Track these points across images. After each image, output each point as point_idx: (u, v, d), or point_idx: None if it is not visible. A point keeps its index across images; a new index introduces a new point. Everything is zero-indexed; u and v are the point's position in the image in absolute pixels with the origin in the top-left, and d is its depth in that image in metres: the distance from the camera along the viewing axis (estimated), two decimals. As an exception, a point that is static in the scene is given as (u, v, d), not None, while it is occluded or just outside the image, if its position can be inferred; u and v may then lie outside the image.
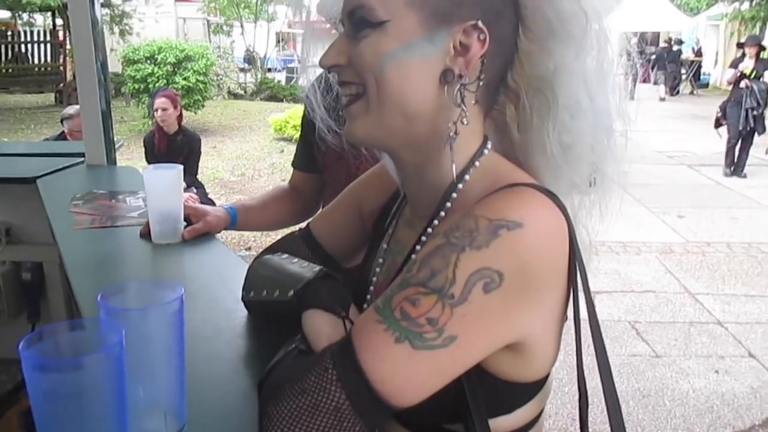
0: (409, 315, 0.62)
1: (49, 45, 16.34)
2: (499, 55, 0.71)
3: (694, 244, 5.53)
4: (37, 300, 2.45)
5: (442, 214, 0.74)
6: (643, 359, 3.54)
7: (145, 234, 1.40)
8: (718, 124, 8.48)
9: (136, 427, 0.66)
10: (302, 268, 0.85)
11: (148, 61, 10.89)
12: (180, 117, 5.11)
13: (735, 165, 8.24)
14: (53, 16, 16.48)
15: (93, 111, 2.23)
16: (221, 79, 14.79)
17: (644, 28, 24.44)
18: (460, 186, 0.73)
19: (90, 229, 1.51)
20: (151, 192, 1.35)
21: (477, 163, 0.74)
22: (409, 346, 0.61)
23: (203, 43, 13.20)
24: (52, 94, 15.78)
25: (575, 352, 0.70)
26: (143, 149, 5.36)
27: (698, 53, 19.62)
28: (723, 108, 8.35)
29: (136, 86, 10.95)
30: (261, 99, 16.25)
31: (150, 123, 7.95)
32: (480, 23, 0.68)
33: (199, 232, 1.39)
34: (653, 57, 18.63)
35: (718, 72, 20.61)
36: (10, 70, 16.12)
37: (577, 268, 0.67)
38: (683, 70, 18.95)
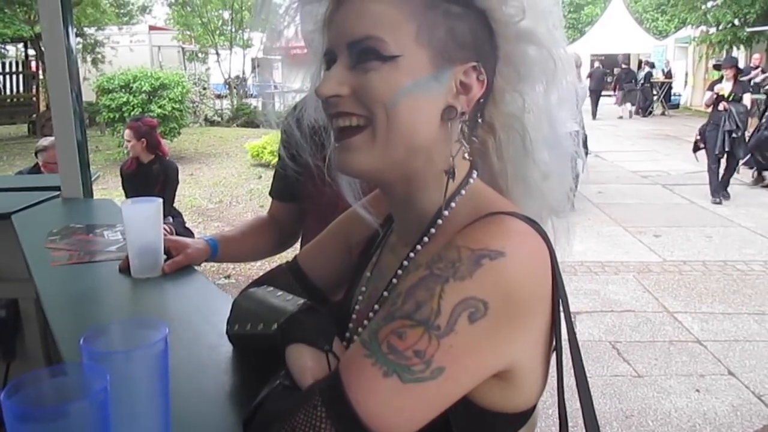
0: (396, 348, 0.62)
1: (21, 76, 16.21)
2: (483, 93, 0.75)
3: (671, 263, 5.59)
4: (13, 338, 2.39)
5: (426, 240, 0.76)
6: (625, 379, 3.56)
7: (125, 269, 1.38)
8: (696, 147, 8.37)
9: (122, 471, 0.65)
10: (286, 301, 0.84)
11: (123, 90, 10.85)
12: (158, 146, 5.07)
13: (716, 189, 7.96)
14: (25, 47, 16.37)
15: (68, 142, 2.21)
16: (197, 106, 14.77)
17: (614, 51, 25.07)
18: (446, 213, 0.75)
19: (68, 266, 1.48)
20: (130, 226, 1.33)
21: (463, 192, 0.76)
22: (397, 380, 0.61)
23: (178, 71, 13.19)
24: (25, 125, 15.63)
25: (556, 376, 0.70)
26: (120, 178, 5.31)
27: (668, 75, 20.08)
28: (702, 131, 8.23)
29: (111, 115, 10.88)
30: (238, 125, 16.24)
31: (126, 152, 7.90)
32: (479, 65, 0.73)
33: (179, 265, 1.37)
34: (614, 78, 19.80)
35: (687, 93, 21.11)
36: (-18, 102, 15.95)
37: (560, 293, 0.68)
38: (654, 92, 19.37)
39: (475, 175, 0.77)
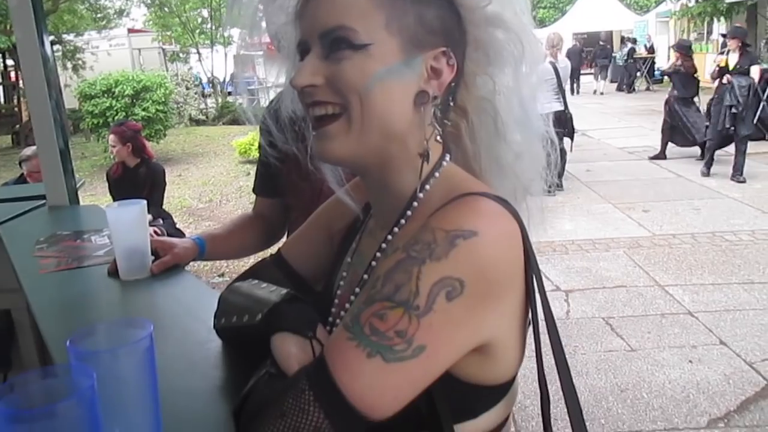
0: (378, 329, 0.64)
1: (1, 87, 16.07)
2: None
3: (660, 237, 5.64)
4: (8, 348, 2.40)
5: (402, 222, 0.78)
6: (619, 354, 3.60)
7: (113, 271, 1.40)
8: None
9: (115, 468, 0.67)
10: (270, 292, 0.86)
11: (106, 95, 10.80)
12: (143, 150, 5.06)
13: (733, 168, 7.53)
14: (3, 57, 16.22)
15: (51, 151, 2.22)
16: (181, 106, 14.70)
17: (596, 29, 25.11)
18: (421, 195, 0.77)
19: (56, 272, 1.49)
20: (116, 229, 1.34)
21: (437, 174, 0.78)
22: (381, 360, 0.63)
23: (161, 73, 13.11)
24: (9, 137, 15.51)
25: (535, 349, 0.73)
26: (107, 183, 5.30)
27: (651, 50, 20.15)
28: (709, 106, 7.91)
29: (95, 121, 10.83)
30: (223, 123, 16.18)
31: (112, 157, 7.87)
32: (449, 50, 0.75)
33: (167, 265, 1.39)
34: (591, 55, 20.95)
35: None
36: (-37, 114, 15.81)
37: (533, 269, 0.70)
38: (638, 68, 19.45)
39: (448, 158, 0.79)
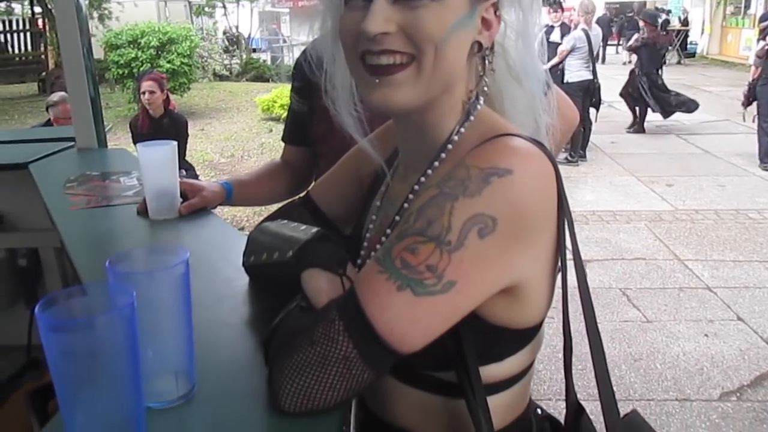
0: (409, 263, 0.64)
1: (29, 34, 16.09)
2: None
3: (683, 212, 5.59)
4: (34, 286, 2.46)
5: (436, 164, 0.78)
6: (634, 324, 3.61)
7: (143, 211, 1.42)
8: (747, 102, 7.44)
9: (149, 388, 0.69)
10: (300, 231, 0.87)
11: (131, 46, 10.77)
12: (167, 100, 5.09)
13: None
14: (31, 4, 16.19)
15: (81, 95, 2.23)
16: (206, 61, 14.66)
17: (629, -1, 24.45)
18: (456, 138, 0.77)
19: (87, 209, 1.52)
20: (147, 168, 1.36)
21: (471, 117, 0.78)
22: (411, 293, 0.64)
23: (186, 25, 13.05)
24: (35, 84, 15.57)
25: (561, 295, 0.73)
26: (130, 134, 5.34)
27: (684, 23, 19.63)
28: (752, 86, 7.31)
29: (120, 71, 10.83)
30: (247, 80, 16.13)
31: (136, 107, 7.90)
32: (498, 1, 0.75)
33: (195, 206, 1.40)
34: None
35: (704, 41, 20.64)
36: (-9, 61, 15.90)
37: (565, 212, 0.70)
38: (671, 40, 18.99)
39: (482, 101, 0.79)
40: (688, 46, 19.76)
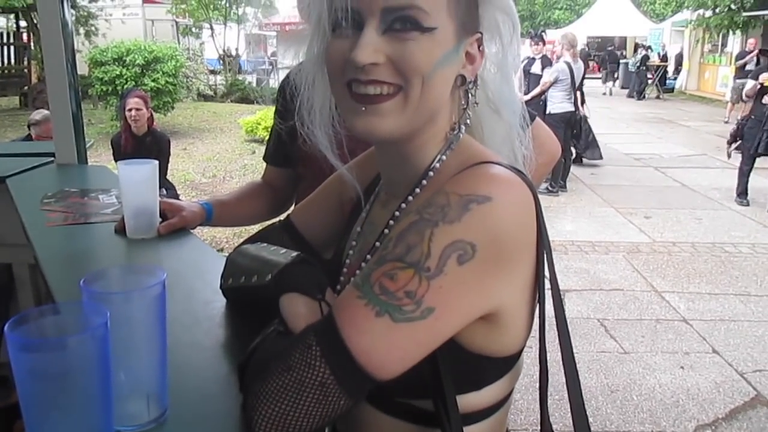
0: (388, 289, 0.64)
1: (12, 47, 16.01)
2: None
3: (660, 244, 5.65)
4: (6, 302, 2.41)
5: (417, 191, 0.78)
6: (611, 356, 3.62)
7: (120, 229, 1.40)
8: (733, 140, 7.37)
9: (119, 411, 0.67)
10: (279, 254, 0.87)
11: (116, 63, 10.76)
12: (151, 119, 5.08)
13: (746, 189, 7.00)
14: (17, 18, 16.13)
15: (63, 110, 2.21)
16: (191, 80, 14.66)
17: (611, 33, 25.02)
18: (437, 165, 0.78)
19: (63, 226, 1.50)
20: (127, 186, 1.34)
21: (452, 145, 0.79)
22: (389, 319, 0.64)
23: (172, 45, 13.07)
24: (17, 98, 15.46)
25: (539, 323, 0.73)
26: (111, 151, 5.30)
27: (664, 58, 20.10)
28: (741, 125, 7.25)
29: (104, 88, 10.80)
30: (232, 101, 16.14)
31: (118, 125, 7.85)
32: (482, 36, 0.77)
33: (174, 226, 1.39)
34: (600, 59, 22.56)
35: (683, 77, 21.11)
36: (-27, 74, 15.76)
37: (544, 240, 0.71)
38: (649, 75, 19.40)
39: (463, 129, 0.80)
40: (667, 82, 20.18)
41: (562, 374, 0.74)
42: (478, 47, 0.77)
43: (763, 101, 6.87)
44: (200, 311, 1.03)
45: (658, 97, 19.05)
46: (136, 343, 0.70)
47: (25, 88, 15.28)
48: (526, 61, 7.68)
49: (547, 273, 0.73)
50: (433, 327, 0.65)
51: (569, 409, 0.74)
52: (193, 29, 20.18)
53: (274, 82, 17.01)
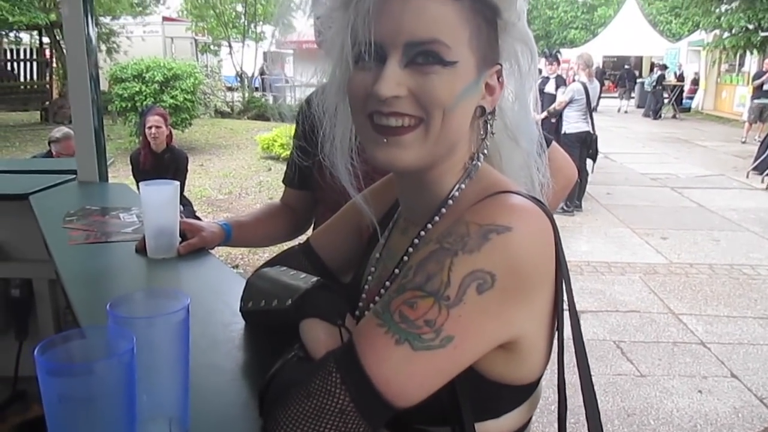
0: (408, 317, 0.65)
1: (35, 63, 16.32)
2: None
3: (677, 266, 5.60)
4: (26, 317, 2.43)
5: (437, 219, 0.79)
6: (627, 378, 3.58)
7: (141, 249, 1.42)
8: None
9: (142, 433, 0.68)
10: (299, 279, 0.88)
11: (136, 80, 10.90)
12: (170, 136, 5.14)
13: None
14: (40, 34, 16.47)
15: (86, 128, 2.25)
16: (208, 97, 14.83)
17: (627, 53, 25.00)
18: (456, 194, 0.79)
19: (85, 245, 1.52)
20: (148, 207, 1.37)
21: (472, 174, 0.80)
22: (408, 348, 0.64)
23: (191, 62, 13.24)
24: (38, 112, 15.73)
25: (557, 351, 0.73)
26: (130, 167, 5.37)
27: (680, 78, 20.03)
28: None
29: (124, 104, 10.94)
30: (248, 118, 16.30)
31: (137, 141, 7.95)
32: (501, 68, 0.78)
33: (194, 247, 1.41)
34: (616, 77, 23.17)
35: (699, 96, 21.02)
36: (-4, 89, 16.07)
37: (563, 269, 0.71)
38: (665, 94, 19.35)
39: (481, 158, 0.81)
40: (683, 101, 20.09)
41: (578, 396, 0.74)
42: (498, 78, 0.79)
43: None
44: (220, 333, 1.04)
45: (674, 117, 18.97)
46: (159, 366, 0.71)
47: (47, 103, 15.55)
48: (540, 81, 7.69)
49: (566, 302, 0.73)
50: (452, 355, 0.65)
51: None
52: (212, 47, 20.47)
53: (291, 99, 17.16)
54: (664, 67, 19.87)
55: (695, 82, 21.02)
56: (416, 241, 0.80)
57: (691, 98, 20.80)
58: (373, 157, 0.76)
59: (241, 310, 1.02)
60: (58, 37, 15.13)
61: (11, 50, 16.76)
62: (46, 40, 16.40)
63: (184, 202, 5.05)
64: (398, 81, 0.71)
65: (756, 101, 13.20)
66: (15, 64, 16.35)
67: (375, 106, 0.73)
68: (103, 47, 16.53)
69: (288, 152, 1.69)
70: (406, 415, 0.69)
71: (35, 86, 16.23)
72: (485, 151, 0.81)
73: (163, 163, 5.03)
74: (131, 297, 0.74)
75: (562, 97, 7.25)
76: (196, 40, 21.01)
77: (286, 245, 1.34)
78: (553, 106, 7.32)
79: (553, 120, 7.23)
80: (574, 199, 7.24)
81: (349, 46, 0.74)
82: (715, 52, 19.60)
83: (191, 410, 0.75)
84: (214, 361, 0.95)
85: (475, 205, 0.72)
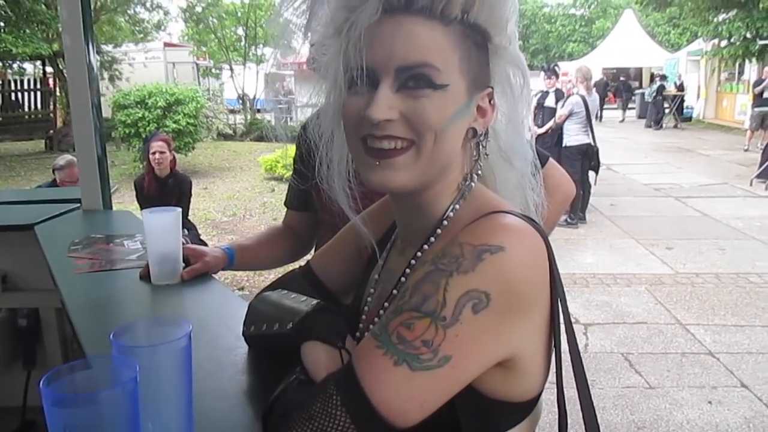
0: (405, 338, 0.66)
1: (39, 93, 16.49)
2: None
3: (683, 276, 5.58)
4: (33, 346, 2.45)
5: (432, 239, 0.80)
6: (636, 391, 3.56)
7: (145, 275, 1.43)
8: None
9: (147, 461, 0.69)
10: (300, 302, 0.89)
11: (139, 106, 11.01)
12: (173, 161, 5.19)
13: None
14: (43, 64, 16.68)
15: (89, 156, 2.28)
16: (211, 120, 14.94)
17: (626, 64, 25.12)
18: (451, 215, 0.80)
19: (90, 273, 1.54)
20: (151, 234, 1.38)
21: (466, 194, 0.81)
22: (407, 368, 0.65)
23: (193, 87, 13.36)
24: (42, 141, 15.87)
25: (555, 368, 0.74)
26: (134, 192, 5.41)
27: (680, 88, 20.08)
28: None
29: (127, 130, 11.04)
30: (251, 139, 16.40)
31: (141, 166, 8.00)
32: (492, 90, 0.80)
33: (198, 272, 1.42)
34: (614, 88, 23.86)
35: (700, 106, 21.06)
36: (0, 119, 16.22)
37: (557, 286, 0.72)
38: (666, 104, 19.40)
39: (475, 179, 0.82)
40: (684, 111, 20.12)
41: (577, 411, 0.74)
42: (489, 101, 0.80)
43: None
44: (224, 357, 1.05)
45: (675, 126, 18.99)
46: (163, 393, 0.72)
47: (51, 131, 15.69)
48: (539, 95, 7.74)
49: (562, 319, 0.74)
50: (451, 375, 0.66)
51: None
52: (213, 70, 20.65)
53: (289, 120, 17.30)
54: (664, 78, 19.94)
55: (693, 92, 21.15)
56: (413, 262, 0.82)
57: (692, 108, 20.85)
58: (367, 179, 0.77)
59: (243, 335, 1.03)
60: (61, 67, 15.30)
61: (15, 81, 16.94)
62: (49, 69, 16.60)
63: (189, 226, 5.08)
64: (390, 105, 0.73)
65: (757, 109, 13.21)
66: (19, 94, 16.52)
67: (368, 129, 0.74)
68: (106, 75, 16.70)
69: (291, 173, 1.71)
70: None
71: (39, 115, 16.39)
72: (479, 172, 0.82)
73: (167, 188, 5.07)
74: (134, 325, 0.75)
75: (561, 110, 7.28)
76: (197, 65, 21.20)
77: (290, 267, 1.36)
78: (553, 120, 7.36)
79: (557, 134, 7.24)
80: (578, 211, 7.25)
81: (341, 72, 0.76)
82: (714, 61, 19.66)
83: (196, 436, 0.76)
84: (218, 385, 0.96)
85: (468, 226, 0.73)
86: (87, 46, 2.21)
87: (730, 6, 16.29)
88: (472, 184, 0.82)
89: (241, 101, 18.75)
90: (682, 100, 19.93)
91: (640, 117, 20.79)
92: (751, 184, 9.46)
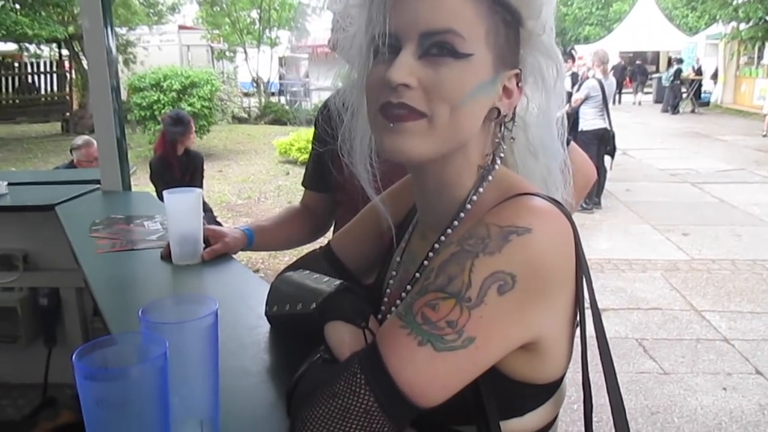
0: (430, 319, 0.66)
1: (55, 75, 16.59)
2: None
3: (699, 262, 5.55)
4: (54, 325, 2.49)
5: (456, 223, 0.80)
6: (651, 376, 3.56)
7: (166, 256, 1.45)
8: None
9: (174, 435, 0.71)
10: (322, 282, 0.89)
11: (154, 89, 11.05)
12: (191, 139, 5.25)
13: None
14: (59, 47, 16.75)
15: (108, 137, 2.30)
16: (225, 104, 14.97)
17: (644, 48, 24.81)
18: (475, 198, 0.80)
19: (111, 253, 1.55)
20: (172, 214, 1.40)
21: (490, 177, 0.80)
22: (431, 349, 0.66)
23: (208, 69, 13.37)
24: (59, 123, 15.98)
25: (581, 350, 0.74)
26: (149, 172, 5.44)
27: (698, 72, 19.83)
28: None
29: (142, 113, 11.10)
30: (265, 123, 16.42)
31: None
32: (520, 72, 0.78)
33: (218, 252, 1.43)
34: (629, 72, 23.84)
35: (718, 90, 20.78)
36: (17, 101, 16.39)
37: (583, 269, 0.72)
38: (684, 89, 19.17)
39: (499, 161, 0.81)
40: (702, 95, 19.88)
41: (602, 395, 0.75)
42: (517, 83, 0.78)
43: None
44: (246, 336, 1.06)
45: (693, 111, 18.78)
46: (190, 370, 0.73)
47: (67, 114, 15.80)
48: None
49: (587, 301, 0.75)
50: (474, 356, 0.67)
51: (609, 431, 0.75)
52: (228, 53, 20.63)
53: (307, 104, 17.30)
54: (680, 61, 19.69)
55: (711, 74, 20.87)
56: (436, 245, 0.81)
57: (710, 93, 20.60)
58: (380, 146, 0.76)
59: (266, 314, 1.05)
60: (76, 49, 15.38)
61: (32, 63, 17.06)
62: (65, 52, 16.67)
63: (205, 208, 5.10)
64: (410, 70, 0.71)
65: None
66: (36, 77, 16.66)
67: (386, 96, 0.73)
68: (121, 58, 16.74)
69: (305, 156, 1.71)
70: (432, 414, 0.70)
71: (56, 98, 16.51)
72: (501, 155, 0.81)
73: (180, 166, 5.09)
74: (161, 303, 0.76)
75: (577, 94, 7.22)
76: (212, 48, 21.18)
77: (306, 248, 1.37)
78: (568, 104, 7.29)
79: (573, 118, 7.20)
80: (594, 196, 7.20)
81: (366, 41, 0.76)
82: (733, 44, 19.37)
83: (221, 411, 0.78)
84: (242, 363, 0.97)
85: (494, 208, 0.72)
86: (106, 29, 2.22)
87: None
88: (496, 166, 0.81)
89: (255, 84, 18.75)
90: (700, 85, 19.68)
91: (656, 101, 20.56)
92: (769, 170, 9.35)
